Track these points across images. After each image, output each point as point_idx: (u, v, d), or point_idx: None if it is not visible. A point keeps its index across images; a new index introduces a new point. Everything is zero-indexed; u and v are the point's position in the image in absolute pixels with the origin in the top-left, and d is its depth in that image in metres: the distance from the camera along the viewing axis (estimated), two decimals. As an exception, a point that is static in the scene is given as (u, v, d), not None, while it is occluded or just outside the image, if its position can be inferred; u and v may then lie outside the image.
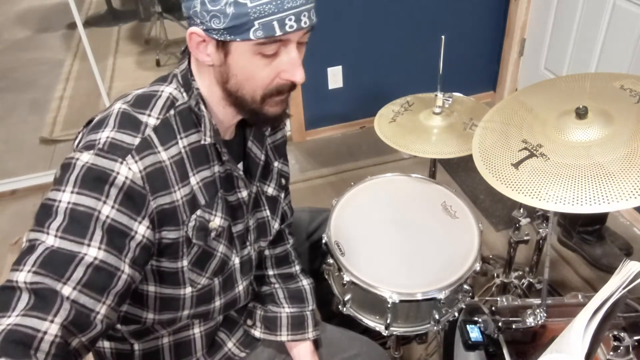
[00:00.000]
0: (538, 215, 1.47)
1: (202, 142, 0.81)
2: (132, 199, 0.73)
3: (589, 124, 1.02)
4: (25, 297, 0.63)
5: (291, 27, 0.72)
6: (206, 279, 0.88)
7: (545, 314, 1.01)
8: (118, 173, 0.72)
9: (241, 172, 0.90)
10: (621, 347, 0.92)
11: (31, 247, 0.68)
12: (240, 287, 0.97)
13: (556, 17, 2.35)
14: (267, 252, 1.12)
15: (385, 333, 1.11)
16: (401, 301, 1.04)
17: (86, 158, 0.71)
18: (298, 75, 0.78)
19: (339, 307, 1.14)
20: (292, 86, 0.81)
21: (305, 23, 0.74)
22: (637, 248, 1.93)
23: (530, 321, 1.02)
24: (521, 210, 1.46)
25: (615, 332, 0.93)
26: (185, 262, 0.84)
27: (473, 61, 2.73)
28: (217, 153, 0.85)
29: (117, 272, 0.70)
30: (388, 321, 1.09)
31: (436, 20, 2.51)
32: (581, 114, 1.02)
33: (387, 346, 1.43)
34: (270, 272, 1.12)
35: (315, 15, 0.78)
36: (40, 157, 2.67)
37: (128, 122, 0.76)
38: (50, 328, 0.62)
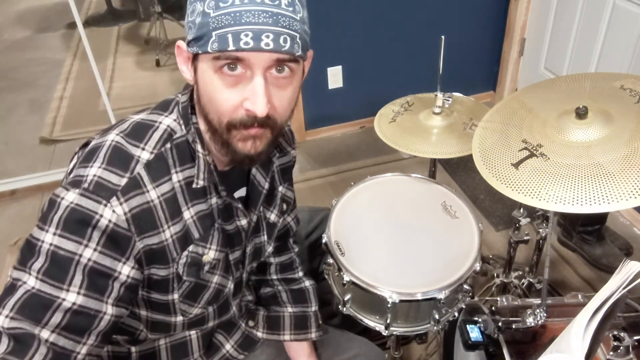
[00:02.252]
0: (538, 215, 1.47)
1: (194, 184, 0.78)
2: (115, 242, 0.71)
3: (589, 124, 1.02)
4: (5, 340, 0.65)
5: (247, 43, 0.65)
6: (199, 308, 0.88)
7: (545, 314, 1.01)
8: (101, 216, 0.69)
9: (240, 205, 0.87)
10: (621, 347, 0.92)
11: (12, 287, 0.68)
12: (234, 307, 0.98)
13: (556, 17, 2.35)
14: (272, 260, 1.12)
15: (385, 333, 1.11)
16: (401, 301, 1.04)
17: (71, 198, 0.69)
18: (256, 105, 0.69)
19: (339, 307, 1.14)
20: (260, 122, 0.71)
21: (267, 45, 0.66)
22: (637, 248, 1.93)
23: (530, 321, 1.02)
24: (521, 210, 1.46)
25: (615, 332, 0.93)
26: (176, 296, 0.83)
27: (473, 61, 2.73)
28: (215, 187, 0.82)
29: (98, 314, 0.70)
30: (388, 321, 1.08)
31: (436, 20, 2.51)
32: (581, 114, 1.02)
33: (387, 346, 1.43)
34: (274, 277, 1.12)
35: (293, 44, 0.69)
36: (40, 157, 2.67)
37: (118, 159, 0.73)
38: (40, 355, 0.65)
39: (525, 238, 1.53)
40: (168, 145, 0.76)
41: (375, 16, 2.42)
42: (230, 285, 0.92)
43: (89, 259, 0.69)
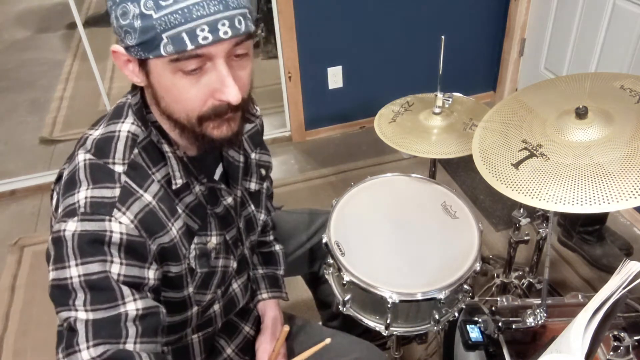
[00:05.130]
0: (538, 215, 1.47)
1: (174, 185, 0.77)
2: (134, 250, 0.70)
3: (589, 124, 1.02)
4: None
5: (205, 38, 0.63)
6: (211, 294, 0.88)
7: (545, 314, 1.01)
8: (111, 232, 0.68)
9: (222, 185, 0.87)
10: (621, 347, 0.92)
11: (69, 327, 0.67)
12: (235, 285, 0.97)
13: (556, 17, 2.35)
14: None
15: (385, 333, 1.11)
16: (401, 301, 1.04)
17: (73, 227, 0.68)
18: (229, 95, 0.68)
19: (339, 307, 1.14)
20: (233, 106, 0.71)
21: (226, 33, 0.64)
22: (637, 248, 1.93)
23: (530, 321, 1.02)
24: (521, 210, 1.46)
25: (615, 332, 0.93)
26: (191, 289, 0.83)
27: (473, 61, 2.73)
28: (195, 178, 0.82)
29: (158, 309, 0.72)
30: (388, 321, 1.08)
31: (436, 20, 2.51)
32: (581, 114, 1.02)
33: (387, 346, 1.43)
34: None
35: (246, 21, 0.67)
36: (40, 157, 2.67)
37: (101, 174, 0.72)
38: None
39: (525, 238, 1.53)
40: (136, 151, 0.74)
41: (376, 16, 2.42)
42: (234, 264, 0.91)
43: (118, 274, 0.68)
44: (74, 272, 0.67)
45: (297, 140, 2.68)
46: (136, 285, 0.70)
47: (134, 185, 0.72)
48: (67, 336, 0.67)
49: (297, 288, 1.66)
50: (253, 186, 0.97)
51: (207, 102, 0.70)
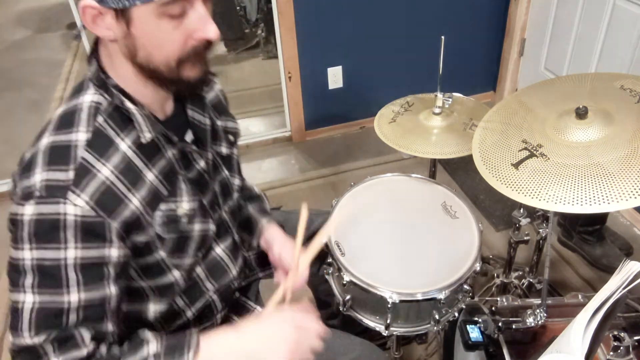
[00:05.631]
0: (538, 215, 1.47)
1: (143, 140, 0.78)
2: (92, 232, 0.71)
3: (589, 124, 1.02)
4: (49, 347, 0.71)
5: None
6: (190, 258, 0.89)
7: (545, 314, 1.01)
8: (65, 214, 0.69)
9: (194, 147, 0.88)
10: (621, 347, 0.92)
11: (15, 311, 0.71)
12: (218, 249, 0.97)
13: (556, 17, 2.35)
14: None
15: (385, 333, 1.11)
16: (401, 301, 1.04)
17: (30, 210, 0.70)
18: (211, 32, 0.73)
19: (339, 307, 1.14)
20: (208, 45, 0.77)
21: None
22: (637, 248, 1.93)
23: (530, 321, 1.02)
24: (521, 210, 1.46)
25: (615, 332, 0.93)
26: (162, 253, 0.83)
27: (473, 61, 2.73)
28: (165, 137, 0.83)
29: (105, 299, 0.74)
30: (388, 321, 1.08)
31: (436, 20, 2.51)
32: (581, 114, 1.02)
33: (387, 346, 1.43)
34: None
35: None
36: (40, 157, 2.67)
37: (56, 156, 0.72)
38: (86, 347, 0.73)
39: (525, 238, 1.53)
40: (100, 119, 0.75)
41: (376, 16, 2.42)
42: (212, 227, 0.92)
43: (75, 258, 0.71)
44: (27, 254, 0.70)
45: (297, 140, 2.68)
46: (92, 269, 0.72)
47: (91, 161, 0.73)
48: (13, 317, 0.72)
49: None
50: (224, 150, 0.98)
51: (187, 44, 0.74)
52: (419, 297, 1.05)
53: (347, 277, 1.08)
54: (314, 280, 1.40)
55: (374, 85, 2.61)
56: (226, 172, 0.99)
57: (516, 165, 1.02)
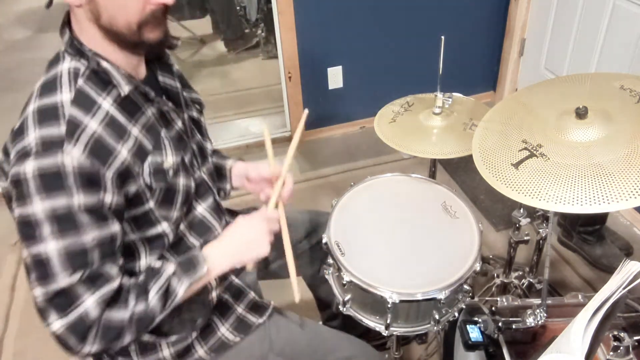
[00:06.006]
0: (538, 215, 1.47)
1: (122, 93, 0.83)
2: (89, 180, 0.77)
3: (589, 124, 1.02)
4: (81, 288, 0.78)
5: None
6: (177, 211, 0.94)
7: (545, 314, 1.01)
8: (63, 164, 0.75)
9: (170, 104, 0.94)
10: (621, 347, 0.92)
11: (40, 262, 0.76)
12: (200, 208, 1.01)
13: (556, 17, 2.35)
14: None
15: (385, 333, 1.11)
16: (401, 301, 1.04)
17: (31, 166, 0.74)
18: None
19: (339, 307, 1.14)
20: (165, 9, 0.83)
21: None
22: (637, 248, 1.93)
23: (530, 321, 1.02)
24: (521, 210, 1.46)
25: (615, 332, 0.93)
26: (151, 204, 0.88)
27: (473, 61, 2.73)
28: (143, 95, 0.88)
29: (113, 235, 0.82)
30: (388, 321, 1.09)
31: (436, 20, 2.51)
32: (581, 114, 1.02)
33: (387, 346, 1.43)
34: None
35: None
36: (40, 157, 2.67)
37: (46, 116, 0.78)
38: (116, 279, 0.82)
39: (525, 238, 1.53)
40: (80, 81, 0.81)
41: (375, 16, 2.42)
42: (192, 184, 0.98)
43: (80, 204, 0.76)
44: (39, 207, 0.75)
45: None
46: (95, 212, 0.78)
47: (79, 115, 0.78)
48: (39, 269, 0.76)
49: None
50: (195, 114, 1.05)
51: (145, 8, 0.80)
52: (419, 297, 1.05)
53: (347, 277, 1.08)
54: (314, 281, 1.40)
55: (374, 85, 2.61)
56: (199, 135, 1.06)
57: (516, 165, 1.02)
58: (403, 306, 1.07)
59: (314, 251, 1.29)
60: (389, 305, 1.05)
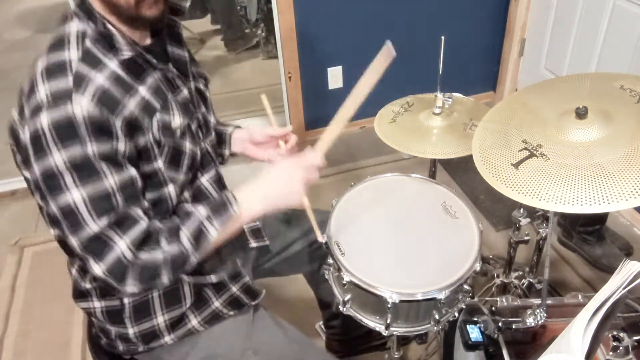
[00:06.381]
0: (538, 215, 1.47)
1: (122, 56, 0.85)
2: (100, 128, 0.79)
3: (589, 124, 1.02)
4: (111, 232, 0.81)
5: None
6: (184, 174, 0.96)
7: (545, 314, 1.01)
8: (74, 113, 0.77)
9: (174, 70, 0.96)
10: (620, 347, 0.92)
11: (70, 212, 0.79)
12: (203, 179, 1.04)
13: (556, 17, 2.35)
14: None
15: (385, 333, 1.11)
16: (401, 301, 1.04)
17: (45, 119, 0.77)
18: None
19: (339, 307, 1.14)
20: None
21: None
22: (637, 248, 1.93)
23: (530, 321, 1.02)
24: (521, 210, 1.46)
25: (615, 332, 0.93)
26: (160, 163, 0.90)
27: (473, 61, 2.73)
28: (146, 62, 0.89)
29: (132, 178, 0.84)
30: (388, 321, 1.09)
31: (436, 20, 2.51)
32: (581, 114, 1.02)
33: (388, 346, 1.43)
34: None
35: None
36: (40, 157, 2.67)
37: (54, 71, 0.80)
38: (144, 220, 0.85)
39: (525, 238, 1.53)
40: (88, 42, 0.84)
41: (375, 16, 2.42)
42: (198, 152, 1.00)
43: (94, 153, 0.78)
44: (58, 157, 0.77)
45: (297, 140, 2.68)
46: (110, 159, 0.80)
47: (86, 70, 0.81)
48: (69, 218, 0.80)
49: (298, 287, 1.66)
50: (201, 86, 1.08)
51: None
52: (419, 297, 1.05)
53: (347, 277, 1.08)
54: (314, 280, 1.40)
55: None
56: (204, 108, 1.08)
57: (516, 165, 1.02)
58: (403, 306, 1.07)
59: (313, 249, 1.29)
60: (389, 305, 1.05)
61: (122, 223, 0.82)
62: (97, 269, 0.81)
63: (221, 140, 1.21)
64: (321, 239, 1.05)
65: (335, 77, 2.54)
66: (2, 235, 2.22)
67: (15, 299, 1.94)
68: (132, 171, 0.84)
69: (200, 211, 0.90)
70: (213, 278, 1.05)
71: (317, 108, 2.62)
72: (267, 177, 0.98)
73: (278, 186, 0.97)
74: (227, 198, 0.92)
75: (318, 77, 2.52)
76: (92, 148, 0.78)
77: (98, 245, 0.81)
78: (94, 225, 0.80)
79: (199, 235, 0.88)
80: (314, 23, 2.36)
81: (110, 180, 0.80)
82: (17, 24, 4.20)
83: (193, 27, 3.82)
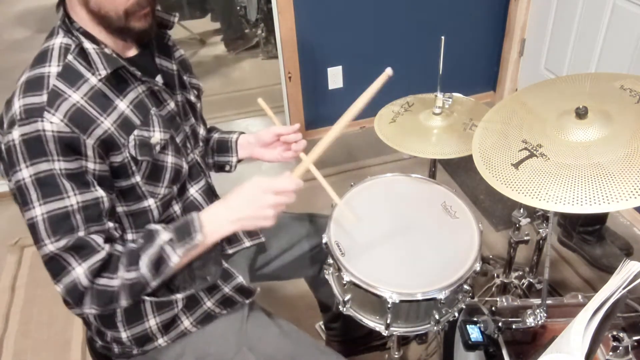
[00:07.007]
0: (538, 215, 1.47)
1: (98, 77, 0.85)
2: (69, 146, 0.80)
3: (589, 124, 1.02)
4: (68, 256, 0.82)
5: None
6: (165, 188, 0.96)
7: (545, 314, 1.01)
8: (44, 130, 0.79)
9: (160, 83, 0.97)
10: (620, 347, 0.92)
11: (33, 226, 0.82)
12: (192, 190, 1.04)
13: (556, 17, 2.35)
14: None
15: (385, 333, 1.11)
16: (401, 301, 1.04)
17: (16, 133, 0.79)
18: None
19: (339, 307, 1.14)
20: (151, 1, 0.88)
21: None
22: (637, 248, 1.93)
23: (530, 321, 1.02)
24: (521, 210, 1.46)
25: (615, 332, 0.93)
26: (138, 178, 0.91)
27: (473, 61, 2.73)
28: (131, 74, 0.90)
29: (98, 200, 0.84)
30: (388, 321, 1.08)
31: (436, 20, 2.51)
32: (581, 114, 1.02)
33: (388, 346, 1.43)
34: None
35: None
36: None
37: (31, 86, 0.82)
38: (103, 248, 0.85)
39: (525, 238, 1.53)
40: (70, 57, 0.85)
41: (375, 16, 2.42)
42: (185, 166, 1.01)
43: (61, 169, 0.80)
44: (25, 173, 0.80)
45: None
46: (77, 177, 0.82)
47: (63, 87, 0.82)
48: (33, 234, 0.82)
49: (298, 287, 1.66)
50: (192, 98, 1.08)
51: None
52: (419, 297, 1.05)
53: (347, 277, 1.08)
54: (315, 283, 1.40)
55: (374, 85, 2.61)
56: (193, 119, 1.08)
57: (516, 165, 1.02)
58: (403, 306, 1.07)
59: (314, 252, 1.29)
60: (389, 305, 1.05)
61: (80, 249, 0.82)
62: (57, 287, 0.83)
63: (226, 147, 1.22)
64: (338, 201, 1.05)
65: (335, 77, 2.54)
66: (2, 235, 2.22)
67: (15, 299, 1.94)
68: (99, 192, 0.85)
69: (162, 236, 0.88)
70: (179, 296, 1.02)
71: (317, 108, 2.62)
72: (237, 199, 0.94)
73: (248, 209, 0.93)
74: (192, 222, 0.90)
75: (318, 77, 2.53)
76: (58, 165, 0.80)
77: (56, 265, 0.82)
78: (50, 246, 0.81)
79: (158, 262, 0.87)
80: (314, 23, 2.36)
81: (72, 199, 0.82)
82: (17, 24, 4.19)
83: (193, 27, 3.82)
